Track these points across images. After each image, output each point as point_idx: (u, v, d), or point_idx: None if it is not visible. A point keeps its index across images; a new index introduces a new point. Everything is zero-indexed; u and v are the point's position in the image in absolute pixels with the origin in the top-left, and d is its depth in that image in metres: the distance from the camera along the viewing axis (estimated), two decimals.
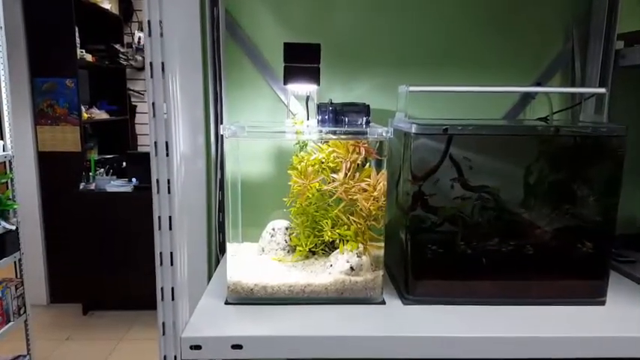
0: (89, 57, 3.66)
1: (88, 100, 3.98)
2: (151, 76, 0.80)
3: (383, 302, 1.03)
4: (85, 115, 3.58)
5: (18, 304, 2.47)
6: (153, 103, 0.80)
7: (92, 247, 3.27)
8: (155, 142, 0.81)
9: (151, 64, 0.80)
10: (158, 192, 0.82)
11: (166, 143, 0.81)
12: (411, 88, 1.06)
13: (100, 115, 3.89)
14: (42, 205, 3.43)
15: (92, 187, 3.29)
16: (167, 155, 0.82)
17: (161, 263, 0.84)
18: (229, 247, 1.05)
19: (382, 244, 1.04)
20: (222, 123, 1.29)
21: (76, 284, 3.32)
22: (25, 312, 2.51)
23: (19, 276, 2.51)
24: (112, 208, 3.22)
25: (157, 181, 0.82)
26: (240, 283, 1.00)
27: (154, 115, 0.81)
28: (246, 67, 1.34)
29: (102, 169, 3.45)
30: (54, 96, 3.41)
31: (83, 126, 3.47)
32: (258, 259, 1.13)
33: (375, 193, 1.00)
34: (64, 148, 3.43)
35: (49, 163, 3.42)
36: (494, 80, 1.38)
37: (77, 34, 3.38)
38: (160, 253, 0.84)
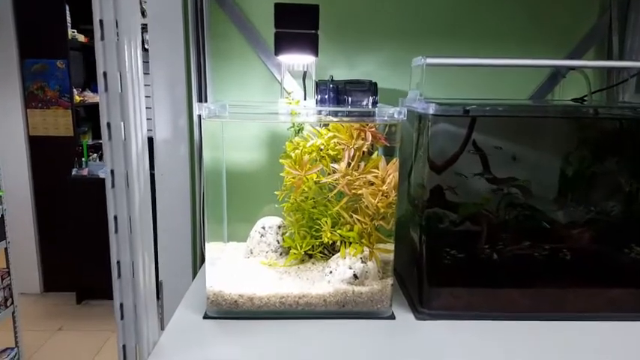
0: (81, 37, 3.49)
1: (81, 82, 3.81)
2: (101, 38, 0.63)
3: (392, 317, 0.87)
4: (78, 98, 3.44)
5: (5, 295, 2.35)
6: (104, 73, 0.63)
7: (85, 235, 3.16)
8: (108, 124, 0.64)
9: (100, 22, 0.63)
10: (113, 186, 0.66)
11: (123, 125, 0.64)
12: (429, 61, 0.88)
13: (93, 98, 3.73)
14: (34, 191, 3.34)
15: (84, 172, 3.17)
16: (124, 139, 0.65)
17: (119, 275, 0.68)
18: (209, 247, 0.89)
19: (392, 248, 0.88)
20: (206, 102, 1.12)
21: (69, 272, 3.23)
22: (12, 303, 2.40)
23: (6, 266, 2.39)
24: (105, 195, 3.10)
25: (112, 172, 0.65)
26: (222, 293, 0.84)
27: (106, 89, 0.64)
28: (235, 39, 1.16)
29: (95, 154, 3.32)
30: (44, 78, 3.30)
31: (75, 109, 3.34)
32: (244, 263, 0.96)
33: (384, 187, 0.83)
34: (56, 133, 3.33)
35: (40, 148, 3.31)
36: (517, 56, 1.20)
37: (68, 14, 3.22)
38: (118, 262, 0.68)
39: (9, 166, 3.20)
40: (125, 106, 0.65)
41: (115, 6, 0.63)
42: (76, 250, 3.15)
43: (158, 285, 1.21)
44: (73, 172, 3.15)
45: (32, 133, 3.28)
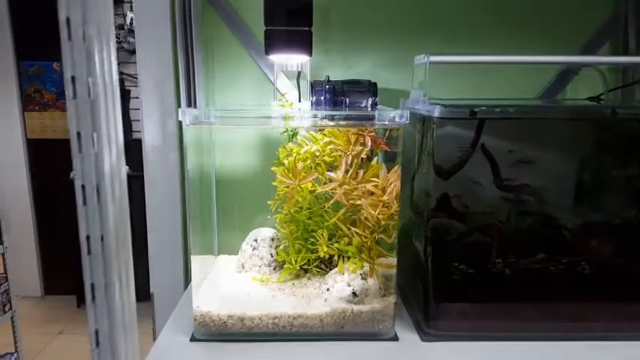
0: None
1: None
2: (68, 38, 0.56)
3: (395, 338, 0.80)
4: None
5: (3, 300, 2.33)
6: (72, 78, 0.57)
7: None
8: (78, 134, 0.58)
9: (67, 20, 0.56)
10: (85, 203, 0.59)
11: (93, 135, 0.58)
12: (433, 59, 0.81)
13: None
14: (33, 194, 3.33)
15: None
16: (96, 151, 0.59)
17: (93, 298, 0.61)
18: (194, 262, 0.82)
19: (394, 262, 0.81)
20: (195, 106, 1.06)
21: (69, 276, 3.21)
22: (10, 308, 2.37)
23: (3, 271, 2.37)
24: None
25: (83, 187, 0.59)
26: (210, 314, 0.77)
27: (75, 96, 0.57)
28: (225, 37, 1.10)
29: None
30: (41, 80, 3.28)
31: None
32: (235, 279, 0.89)
33: (385, 197, 0.76)
34: (54, 135, 3.30)
35: (38, 151, 3.30)
36: (526, 53, 1.13)
37: None
38: (92, 284, 0.61)
39: (8, 169, 3.17)
40: (96, 114, 0.58)
41: (82, 1, 0.56)
42: (76, 253, 3.10)
43: (150, 297, 1.15)
44: (72, 175, 3.13)
45: (30, 136, 3.26)
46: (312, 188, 0.83)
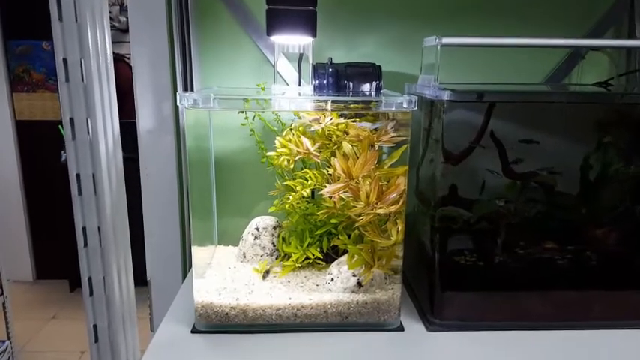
0: None
1: None
2: (59, 19, 0.52)
3: (401, 328, 0.79)
4: None
5: None
6: (64, 60, 0.53)
7: None
8: (71, 119, 0.55)
9: (58, 2, 0.52)
10: (80, 193, 0.56)
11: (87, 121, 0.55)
12: (445, 41, 0.78)
13: None
14: (23, 177, 3.28)
15: None
16: (91, 138, 0.55)
17: (91, 293, 0.59)
18: (195, 252, 0.79)
19: (400, 252, 0.79)
20: (191, 88, 1.02)
21: (61, 260, 3.19)
22: (2, 294, 2.33)
23: None
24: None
25: (77, 176, 0.56)
26: (212, 305, 0.75)
27: (67, 79, 0.54)
28: (223, 17, 1.05)
29: None
30: (30, 60, 3.20)
31: None
32: (236, 270, 0.87)
33: (395, 196, 0.73)
34: (43, 117, 3.24)
35: (28, 134, 3.24)
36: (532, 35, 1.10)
37: None
38: (89, 278, 0.59)
39: None
40: (90, 98, 0.55)
41: None
42: (68, 236, 3.08)
43: (147, 283, 1.13)
44: (63, 158, 3.08)
45: (19, 117, 3.20)
46: (317, 186, 0.80)
